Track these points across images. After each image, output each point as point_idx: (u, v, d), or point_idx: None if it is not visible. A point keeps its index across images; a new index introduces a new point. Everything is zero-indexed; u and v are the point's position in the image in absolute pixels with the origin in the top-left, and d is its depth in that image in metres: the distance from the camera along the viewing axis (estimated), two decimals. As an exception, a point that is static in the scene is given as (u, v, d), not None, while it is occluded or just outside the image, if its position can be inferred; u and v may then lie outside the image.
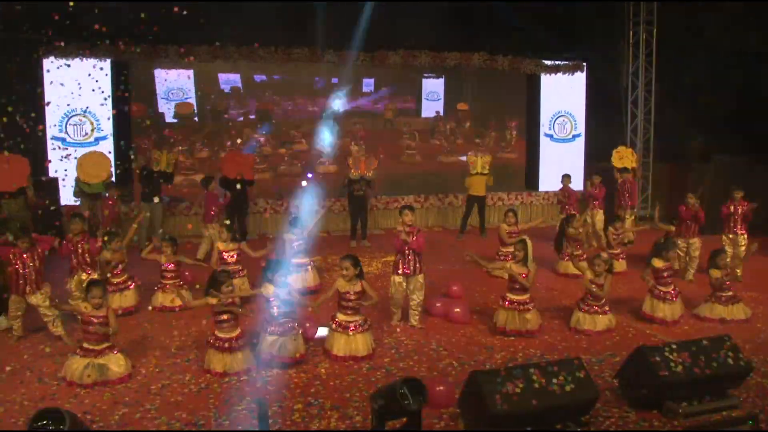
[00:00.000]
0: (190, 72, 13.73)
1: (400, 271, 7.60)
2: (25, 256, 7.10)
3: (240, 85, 14.18)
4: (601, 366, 6.49)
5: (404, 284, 7.62)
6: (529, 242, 7.47)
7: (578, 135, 16.56)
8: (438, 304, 8.11)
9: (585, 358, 6.64)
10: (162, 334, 7.45)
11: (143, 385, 6.04)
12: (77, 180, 10.58)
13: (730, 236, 10.04)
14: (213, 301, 6.29)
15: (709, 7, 14.88)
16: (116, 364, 6.09)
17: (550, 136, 16.30)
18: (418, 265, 7.62)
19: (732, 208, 10.12)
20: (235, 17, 12.96)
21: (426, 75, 15.24)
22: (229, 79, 14.13)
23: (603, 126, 16.33)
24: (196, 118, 13.91)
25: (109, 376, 6.01)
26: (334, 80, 14.72)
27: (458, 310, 7.85)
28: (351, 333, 6.57)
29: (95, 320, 6.13)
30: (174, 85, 13.70)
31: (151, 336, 7.36)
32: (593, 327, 7.44)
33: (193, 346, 7.02)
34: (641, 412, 5.45)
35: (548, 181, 15.38)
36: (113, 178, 11.27)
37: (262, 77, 14.32)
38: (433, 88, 15.42)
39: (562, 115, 16.39)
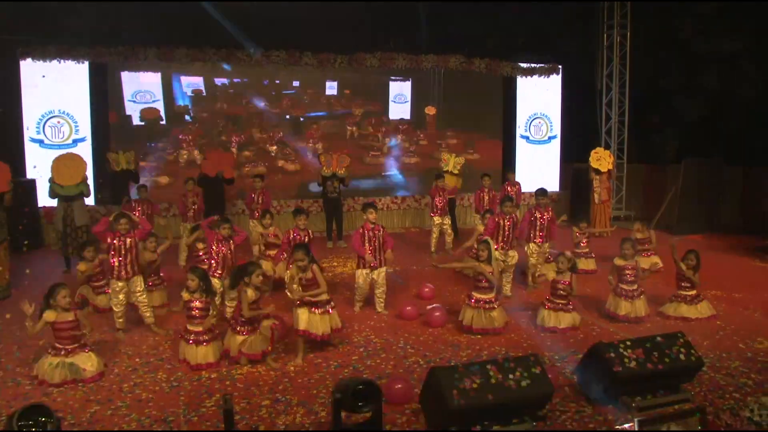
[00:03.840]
0: (158, 75, 13.79)
1: (368, 266, 8.20)
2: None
3: (203, 88, 14.25)
4: (564, 363, 6.67)
5: (370, 276, 8.24)
6: (491, 242, 7.69)
7: (554, 137, 16.84)
8: (408, 308, 8.21)
9: (548, 355, 6.89)
10: (135, 332, 7.59)
11: (115, 383, 6.15)
12: (51, 181, 10.66)
13: (531, 245, 9.69)
14: (186, 296, 6.59)
15: (683, 11, 15.20)
16: (88, 362, 6.21)
17: (526, 138, 16.56)
18: (382, 257, 8.28)
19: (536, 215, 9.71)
20: (213, 20, 13.13)
21: (393, 78, 15.37)
22: (191, 83, 14.17)
23: (578, 128, 16.64)
24: (162, 122, 13.96)
25: (81, 374, 6.13)
26: (295, 83, 14.85)
27: (438, 314, 7.93)
28: (314, 312, 6.74)
29: (65, 325, 6.25)
30: (141, 88, 13.75)
31: (124, 335, 7.49)
32: (558, 324, 7.65)
33: (166, 345, 7.17)
34: (598, 406, 5.64)
35: (524, 182, 15.55)
36: (89, 182, 11.30)
37: (223, 80, 14.40)
38: (401, 90, 15.55)
39: (538, 117, 16.65)
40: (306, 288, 6.77)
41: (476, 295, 7.54)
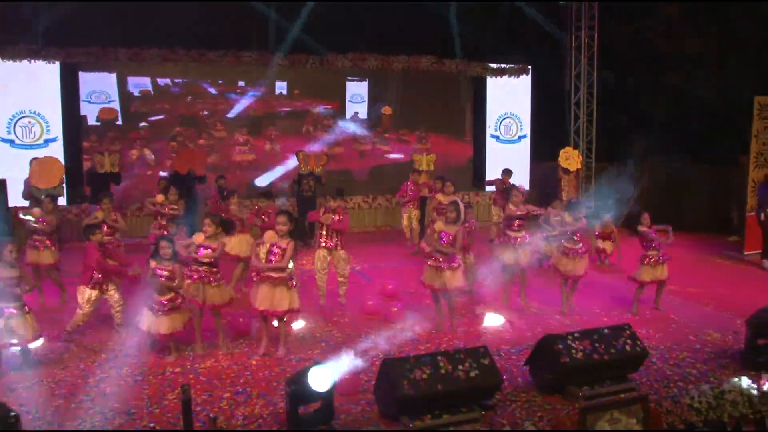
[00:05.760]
0: (113, 75, 13.73)
1: (323, 245, 8.47)
2: None
3: (150, 88, 14.20)
4: (519, 355, 6.90)
5: (328, 258, 8.44)
6: (461, 204, 7.80)
7: (524, 136, 17.06)
8: (370, 302, 8.43)
9: (505, 348, 7.11)
10: (102, 328, 7.66)
11: (80, 378, 6.29)
12: (28, 183, 10.70)
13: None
14: (154, 264, 6.69)
15: (649, 12, 15.50)
16: (23, 327, 6.34)
17: (496, 137, 16.78)
18: (338, 241, 8.49)
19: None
20: (184, 19, 13.21)
21: (349, 78, 15.49)
22: (138, 83, 14.12)
23: (548, 127, 16.89)
24: (119, 122, 13.92)
25: (15, 338, 6.31)
26: (241, 83, 14.76)
27: (396, 309, 8.14)
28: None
29: (8, 282, 6.32)
30: (96, 88, 13.71)
31: (89, 330, 7.57)
32: (516, 260, 8.20)
33: (133, 341, 7.28)
34: (547, 396, 5.89)
35: (494, 181, 15.83)
36: (64, 184, 11.33)
37: (166, 80, 14.32)
38: (357, 90, 15.66)
39: (508, 117, 16.87)
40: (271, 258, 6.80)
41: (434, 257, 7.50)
